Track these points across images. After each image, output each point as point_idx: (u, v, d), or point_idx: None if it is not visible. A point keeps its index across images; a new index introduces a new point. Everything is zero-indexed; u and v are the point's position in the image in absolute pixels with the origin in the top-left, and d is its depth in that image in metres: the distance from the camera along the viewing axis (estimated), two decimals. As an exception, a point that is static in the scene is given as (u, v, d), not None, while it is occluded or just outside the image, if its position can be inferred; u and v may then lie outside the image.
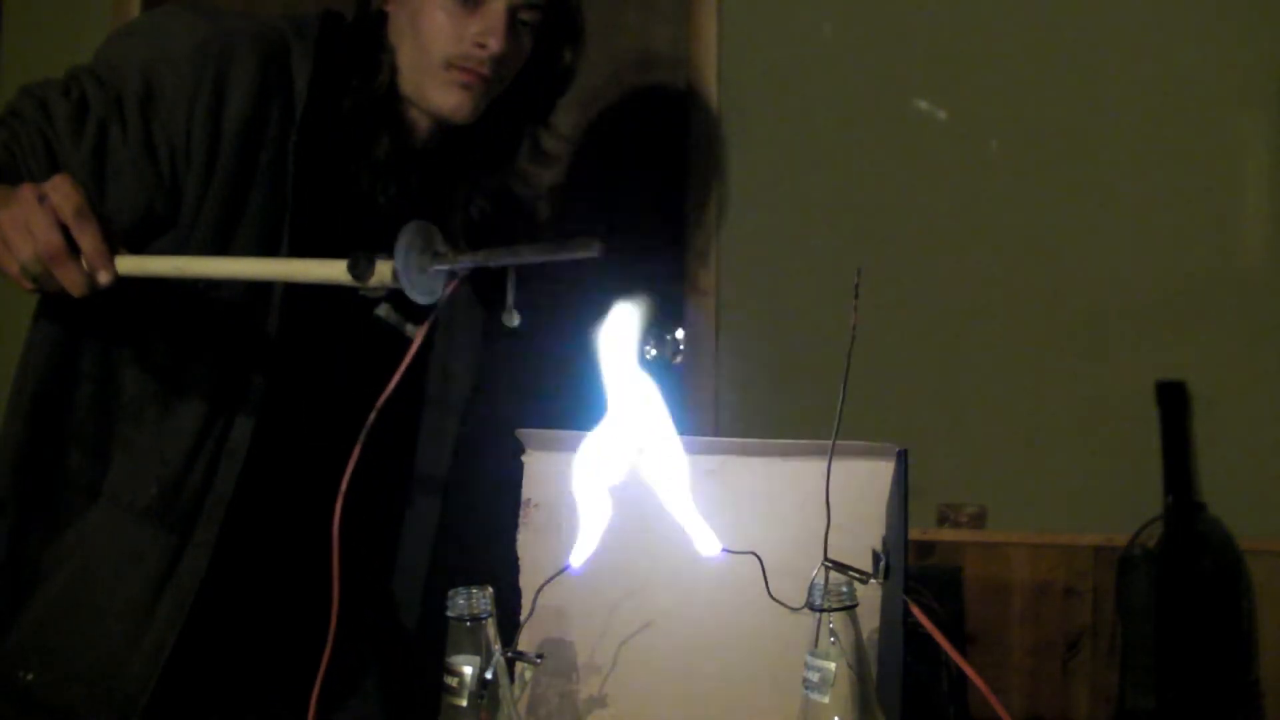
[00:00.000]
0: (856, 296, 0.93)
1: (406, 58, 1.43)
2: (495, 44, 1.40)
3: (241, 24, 1.37)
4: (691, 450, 1.13)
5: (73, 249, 1.08)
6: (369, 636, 1.54)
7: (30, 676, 1.30)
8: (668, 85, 2.35)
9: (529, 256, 0.99)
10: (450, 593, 0.98)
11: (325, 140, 1.40)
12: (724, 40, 2.29)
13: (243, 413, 1.34)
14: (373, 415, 1.07)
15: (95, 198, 1.26)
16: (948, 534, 2.16)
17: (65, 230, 1.08)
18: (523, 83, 1.49)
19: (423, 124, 1.48)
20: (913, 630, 1.04)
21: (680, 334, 2.31)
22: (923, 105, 2.19)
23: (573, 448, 1.15)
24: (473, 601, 0.97)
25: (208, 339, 1.33)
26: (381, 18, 1.45)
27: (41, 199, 1.08)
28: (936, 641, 0.95)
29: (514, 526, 1.18)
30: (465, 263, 1.02)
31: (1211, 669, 1.99)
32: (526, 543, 1.17)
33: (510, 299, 1.01)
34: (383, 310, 1.50)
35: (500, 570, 1.12)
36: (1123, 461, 2.09)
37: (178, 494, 1.32)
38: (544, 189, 1.63)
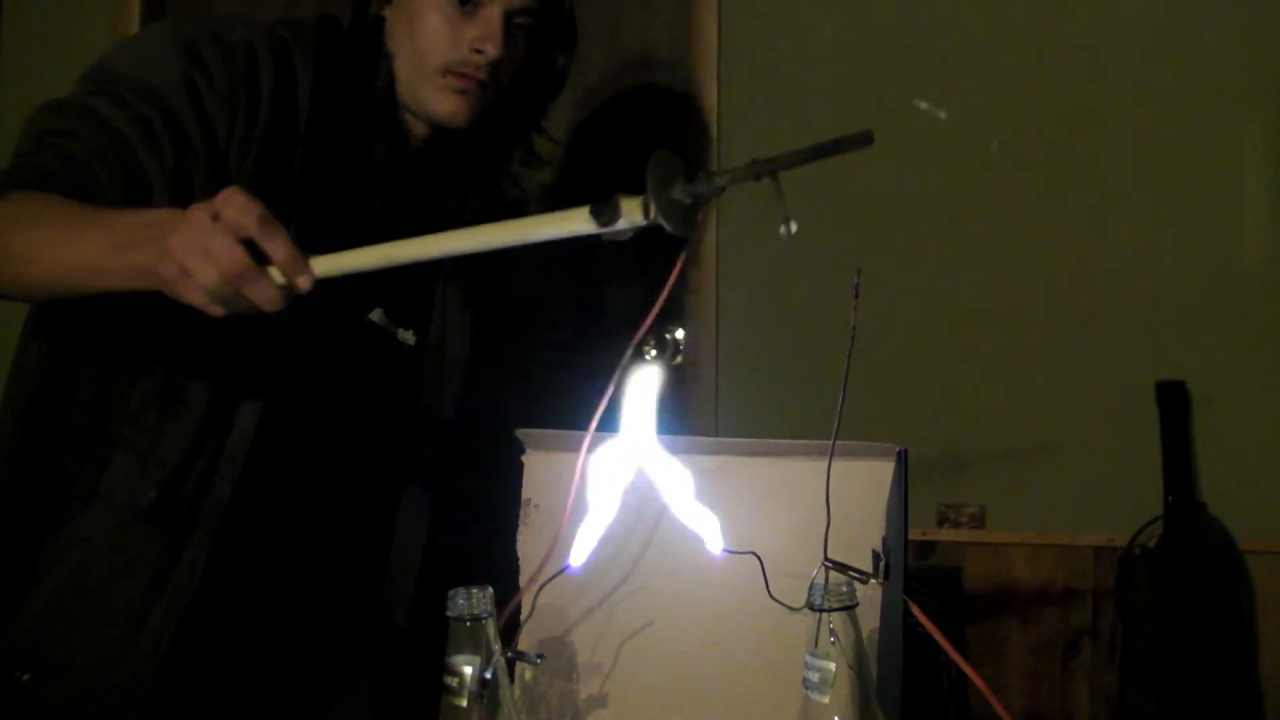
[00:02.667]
0: (856, 296, 0.93)
1: (403, 64, 1.43)
2: (492, 49, 1.40)
3: (253, 32, 1.36)
4: (691, 450, 1.14)
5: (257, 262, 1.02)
6: (363, 635, 1.54)
7: (25, 676, 1.30)
8: (667, 85, 2.35)
9: (793, 160, 0.91)
10: (450, 593, 0.97)
11: (325, 148, 1.40)
12: (724, 40, 2.29)
13: (243, 418, 1.34)
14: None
15: None
16: (948, 534, 2.16)
17: (247, 245, 1.02)
18: (517, 87, 1.50)
19: (419, 129, 1.48)
20: (913, 630, 1.04)
21: (680, 334, 2.31)
22: (923, 105, 2.19)
23: (573, 448, 1.15)
24: (473, 601, 0.97)
25: (210, 344, 1.33)
26: (378, 23, 1.45)
27: (215, 217, 1.02)
28: (936, 641, 0.95)
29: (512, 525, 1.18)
30: (720, 182, 0.93)
31: (1211, 669, 1.99)
32: (526, 543, 1.17)
33: (784, 209, 0.93)
34: (377, 316, 1.51)
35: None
36: (1123, 461, 2.09)
37: (176, 497, 1.31)
38: (536, 190, 1.63)
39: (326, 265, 1.04)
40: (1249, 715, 1.99)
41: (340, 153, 1.42)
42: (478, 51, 1.40)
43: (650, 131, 2.35)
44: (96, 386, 1.33)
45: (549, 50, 1.51)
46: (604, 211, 0.92)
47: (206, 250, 1.01)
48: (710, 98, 2.28)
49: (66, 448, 1.33)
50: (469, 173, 1.55)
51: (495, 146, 1.55)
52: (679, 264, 0.97)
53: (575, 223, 0.93)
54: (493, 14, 1.40)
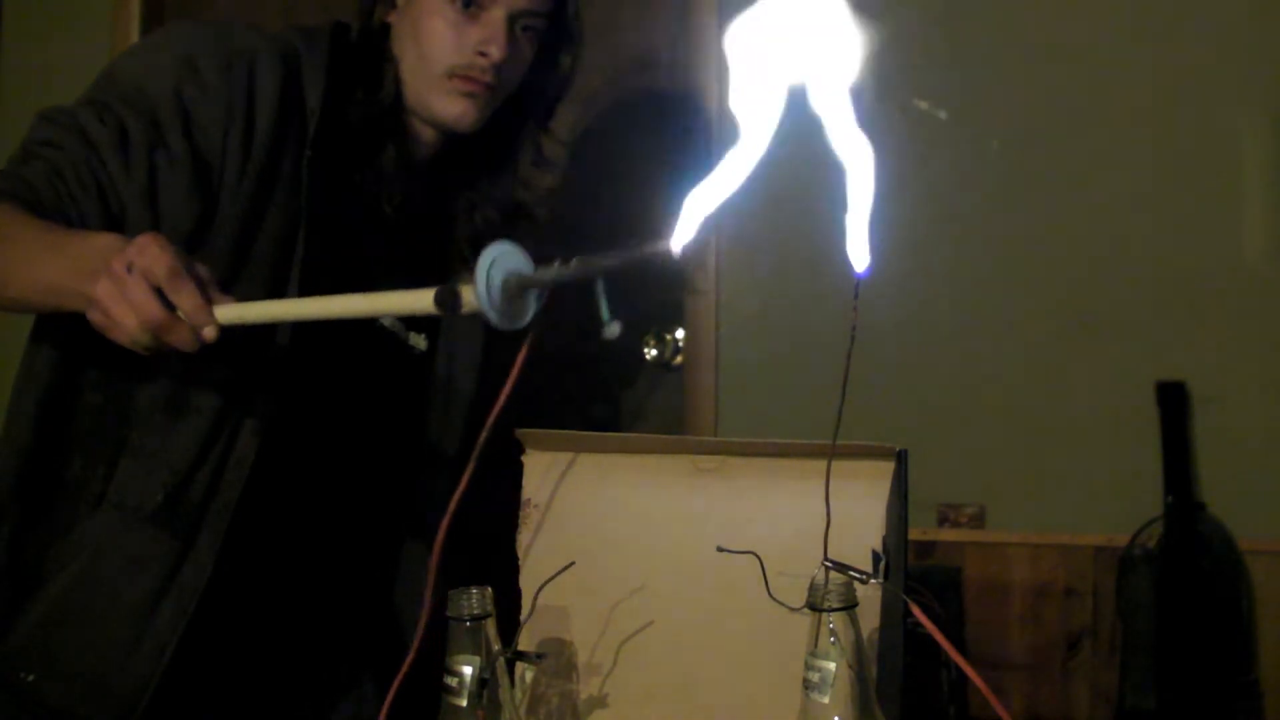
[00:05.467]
0: (856, 296, 0.93)
1: (409, 69, 1.44)
2: (497, 52, 1.41)
3: (258, 40, 1.37)
4: (691, 450, 1.14)
5: (173, 308, 1.08)
6: (368, 639, 1.54)
7: (31, 677, 1.30)
8: (668, 85, 2.35)
9: (610, 264, 0.92)
10: (450, 593, 0.98)
11: (334, 153, 1.40)
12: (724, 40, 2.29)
13: (251, 421, 1.34)
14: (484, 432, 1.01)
15: (149, 226, 1.25)
16: (948, 534, 2.16)
17: (161, 292, 1.07)
18: (524, 89, 1.50)
19: (427, 134, 1.48)
20: (913, 630, 1.04)
21: (680, 334, 2.31)
22: (923, 105, 2.19)
23: (572, 448, 1.15)
24: (473, 601, 0.97)
25: (219, 348, 1.33)
26: (384, 30, 1.46)
27: (129, 268, 1.07)
28: (936, 641, 0.95)
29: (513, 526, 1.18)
30: (548, 280, 0.93)
31: (1211, 669, 1.99)
32: (526, 543, 1.17)
33: (605, 312, 0.93)
34: (387, 321, 1.51)
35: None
36: (1123, 461, 2.09)
37: (184, 500, 1.32)
38: (544, 193, 1.63)
39: (229, 314, 1.10)
40: (1249, 715, 1.99)
41: (349, 158, 1.43)
42: (482, 54, 1.41)
43: (650, 132, 2.35)
44: (105, 390, 1.33)
45: (555, 52, 1.52)
46: (446, 299, 0.95)
47: (125, 300, 1.07)
48: (710, 98, 2.28)
49: (75, 451, 1.33)
50: (478, 177, 1.55)
51: (504, 150, 1.55)
52: (522, 353, 0.97)
53: (421, 304, 0.97)
54: (495, 16, 1.40)
